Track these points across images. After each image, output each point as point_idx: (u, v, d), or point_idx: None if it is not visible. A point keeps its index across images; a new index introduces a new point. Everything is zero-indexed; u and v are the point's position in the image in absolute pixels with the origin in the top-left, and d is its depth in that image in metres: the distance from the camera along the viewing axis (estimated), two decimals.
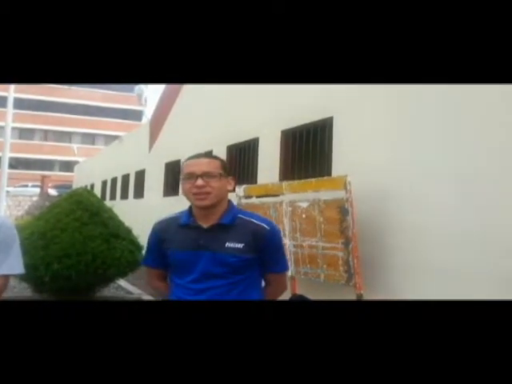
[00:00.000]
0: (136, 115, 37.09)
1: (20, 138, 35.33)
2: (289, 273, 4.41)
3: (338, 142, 4.91)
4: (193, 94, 9.08)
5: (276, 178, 5.82)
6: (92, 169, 18.90)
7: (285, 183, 4.91)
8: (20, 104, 27.63)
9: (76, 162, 26.17)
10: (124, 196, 13.58)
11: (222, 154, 6.98)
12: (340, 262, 4.08)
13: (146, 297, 5.93)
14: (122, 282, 6.36)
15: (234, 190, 1.74)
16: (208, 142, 8.04)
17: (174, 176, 9.79)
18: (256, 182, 6.17)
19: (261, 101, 6.46)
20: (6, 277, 1.64)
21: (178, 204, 7.88)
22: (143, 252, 5.88)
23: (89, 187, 15.52)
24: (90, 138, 38.80)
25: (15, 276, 3.27)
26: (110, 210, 5.57)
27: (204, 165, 1.59)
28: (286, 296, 2.16)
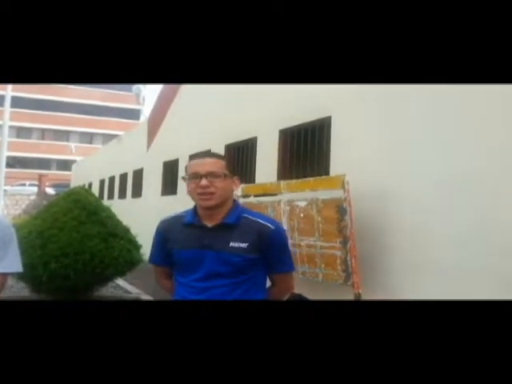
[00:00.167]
0: (134, 114, 37.06)
1: (17, 136, 35.22)
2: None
3: (336, 142, 4.92)
4: (191, 93, 9.07)
5: (274, 177, 5.83)
6: (90, 168, 18.86)
7: (283, 182, 4.91)
8: (17, 103, 27.55)
9: (74, 161, 26.12)
10: (122, 195, 13.56)
11: (220, 153, 6.97)
12: (338, 261, 4.08)
13: (145, 296, 5.92)
14: (120, 282, 6.35)
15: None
16: (206, 141, 8.03)
17: (172, 175, 9.79)
18: (254, 182, 6.17)
19: (259, 100, 6.45)
20: (4, 275, 1.64)
21: (176, 203, 7.92)
22: (141, 251, 5.86)
23: (87, 186, 15.49)
24: (87, 137, 38.73)
25: (13, 275, 3.26)
26: (107, 209, 5.56)
27: (208, 165, 1.58)
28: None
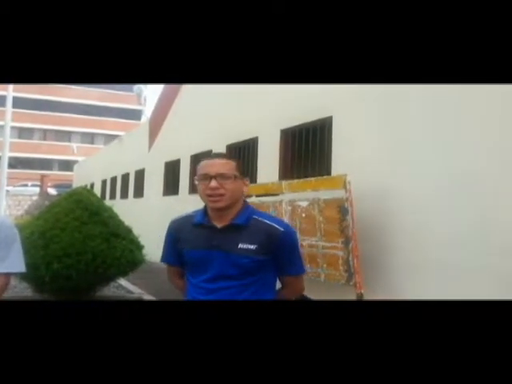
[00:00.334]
0: (135, 114, 37.10)
1: (19, 137, 35.29)
2: None
3: (337, 142, 4.92)
4: (192, 93, 9.08)
5: (275, 177, 5.83)
6: (91, 168, 18.89)
7: (284, 182, 4.91)
8: (19, 103, 27.62)
9: (75, 162, 26.16)
10: (124, 195, 13.58)
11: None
12: (340, 261, 4.08)
13: (147, 296, 5.93)
14: (122, 282, 6.36)
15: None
16: (207, 141, 8.04)
17: (173, 175, 9.80)
18: (255, 182, 6.17)
19: (260, 100, 6.46)
20: (8, 275, 1.65)
21: (178, 203, 7.92)
22: (143, 251, 5.85)
23: (88, 186, 15.50)
24: (89, 138, 38.76)
25: (16, 275, 3.27)
26: (109, 210, 5.57)
27: (218, 166, 1.57)
28: None
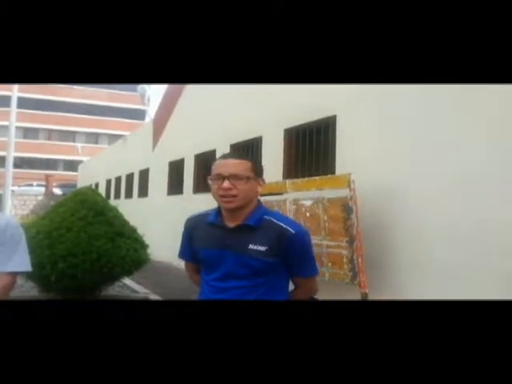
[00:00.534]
0: (139, 114, 37.16)
1: (24, 137, 35.47)
2: None
3: (341, 141, 4.91)
4: (196, 93, 9.09)
5: (279, 176, 5.83)
6: (96, 168, 18.96)
7: (288, 181, 4.91)
8: (24, 103, 27.74)
9: (80, 161, 26.26)
10: (128, 195, 13.63)
11: (225, 152, 7.00)
12: (344, 260, 4.08)
13: (152, 296, 5.95)
14: (127, 281, 6.38)
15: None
16: (211, 140, 8.05)
17: (177, 175, 9.82)
18: None
19: (264, 100, 6.46)
20: (14, 274, 1.66)
21: (182, 203, 7.93)
22: (148, 251, 5.87)
23: (93, 186, 15.58)
24: (93, 138, 38.90)
25: (22, 274, 3.29)
26: (114, 209, 5.59)
27: (232, 166, 1.55)
28: None
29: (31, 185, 26.15)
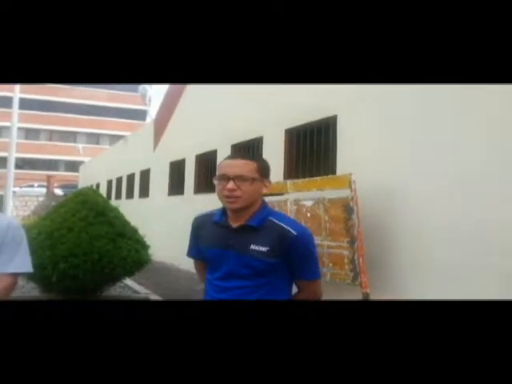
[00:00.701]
0: (140, 115, 37.19)
1: (26, 138, 35.54)
2: None
3: (342, 141, 4.91)
4: (197, 93, 9.10)
5: (280, 176, 5.83)
6: (97, 168, 18.98)
7: (289, 182, 4.91)
8: (25, 104, 27.79)
9: (81, 162, 26.29)
10: (129, 195, 13.64)
11: (226, 153, 7.00)
12: (346, 260, 4.08)
13: (153, 296, 5.95)
14: (128, 282, 6.39)
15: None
16: (212, 141, 8.05)
17: (178, 175, 9.82)
18: None
19: (265, 100, 6.46)
20: (15, 275, 1.66)
21: (183, 203, 7.91)
22: (149, 251, 5.87)
23: (94, 187, 15.59)
24: (94, 138, 38.95)
25: (23, 275, 3.30)
26: (115, 210, 5.60)
27: (238, 167, 1.55)
28: None
29: (32, 186, 26.19)
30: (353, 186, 3.97)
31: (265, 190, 1.62)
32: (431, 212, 3.82)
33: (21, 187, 24.55)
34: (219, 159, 7.23)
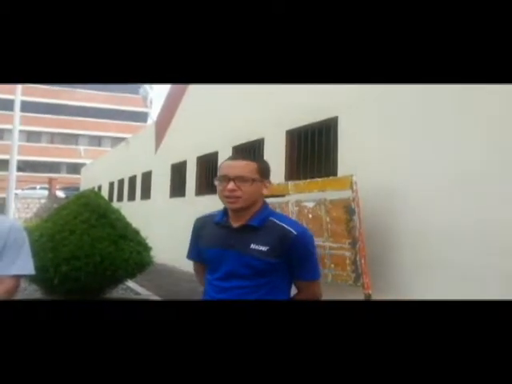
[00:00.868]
0: (141, 117, 37.29)
1: (27, 140, 35.63)
2: None
3: (343, 142, 4.91)
4: (198, 95, 9.11)
5: (282, 178, 5.83)
6: (99, 171, 19.00)
7: (290, 183, 4.91)
8: (27, 107, 27.83)
9: (83, 164, 26.33)
10: (131, 197, 13.65)
11: (227, 155, 7.02)
12: (347, 261, 4.08)
13: (155, 298, 5.95)
14: (130, 284, 6.40)
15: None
16: (213, 142, 8.06)
17: (180, 177, 9.83)
18: None
19: (266, 101, 6.47)
20: (18, 278, 1.66)
21: (184, 205, 7.93)
22: (151, 253, 5.88)
23: (96, 189, 15.61)
24: (96, 140, 39.02)
25: (26, 278, 3.30)
26: (117, 212, 5.60)
27: (238, 168, 1.57)
28: None
29: (34, 188, 26.23)
30: (354, 187, 3.97)
31: (265, 191, 1.63)
32: (432, 212, 3.82)
33: (23, 189, 24.59)
34: (220, 161, 7.23)
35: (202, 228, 1.71)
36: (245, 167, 1.58)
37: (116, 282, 5.38)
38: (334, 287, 4.34)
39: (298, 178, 5.44)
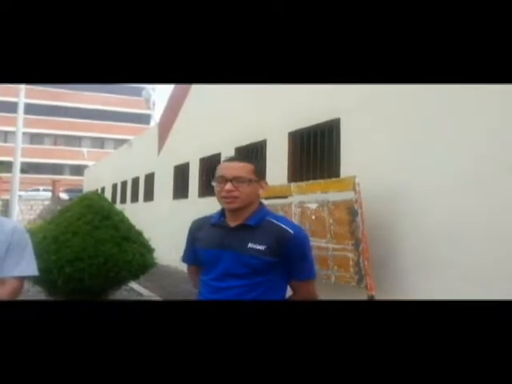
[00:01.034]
0: (144, 119, 37.33)
1: (31, 142, 35.77)
2: None
3: (345, 143, 4.91)
4: (200, 96, 9.12)
5: (284, 179, 5.83)
6: (102, 172, 19.05)
7: (293, 185, 4.91)
8: (30, 109, 27.94)
9: (86, 166, 26.41)
10: (134, 199, 13.68)
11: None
12: (350, 263, 4.07)
13: (158, 299, 5.96)
14: (133, 285, 6.41)
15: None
16: (216, 144, 8.07)
17: (183, 179, 9.85)
18: None
19: (268, 103, 6.47)
20: (21, 279, 1.67)
21: (187, 206, 7.94)
22: (154, 255, 5.89)
23: (99, 191, 15.64)
24: (99, 142, 39.14)
25: (29, 279, 3.31)
26: (120, 213, 5.61)
27: (235, 169, 1.61)
28: None
29: (38, 190, 26.34)
30: (357, 189, 3.97)
31: (261, 191, 1.67)
32: (435, 213, 3.81)
33: (26, 191, 24.68)
34: None
35: (199, 230, 1.73)
36: (242, 168, 1.62)
37: (119, 283, 5.38)
38: (337, 288, 4.33)
39: (301, 180, 5.44)
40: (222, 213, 1.68)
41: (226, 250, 1.61)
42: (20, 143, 13.77)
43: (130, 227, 5.52)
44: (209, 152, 8.46)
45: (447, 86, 3.37)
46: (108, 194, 15.76)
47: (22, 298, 1.72)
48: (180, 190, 9.96)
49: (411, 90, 4.01)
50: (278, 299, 1.63)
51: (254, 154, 6.96)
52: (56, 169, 36.86)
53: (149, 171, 12.30)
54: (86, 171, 24.25)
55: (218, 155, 7.91)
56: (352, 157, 4.78)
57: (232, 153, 7.31)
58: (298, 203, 4.73)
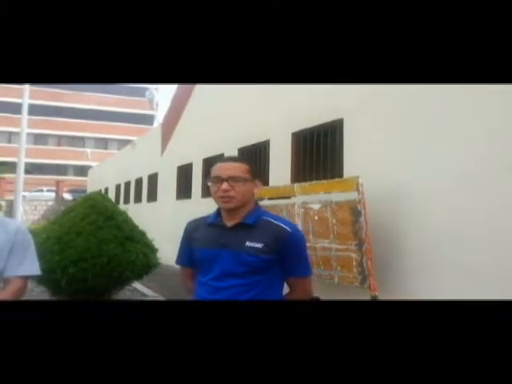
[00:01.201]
0: (148, 119, 37.40)
1: (35, 143, 35.90)
2: None
3: (348, 144, 4.91)
4: (204, 97, 9.14)
5: (287, 179, 5.83)
6: (105, 173, 19.10)
7: (296, 185, 4.91)
8: (34, 110, 28.04)
9: (89, 167, 26.48)
10: (137, 199, 13.71)
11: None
12: (354, 263, 4.06)
13: (161, 299, 5.97)
14: (137, 285, 6.42)
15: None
16: (219, 144, 8.08)
17: (186, 179, 9.86)
18: (267, 184, 6.19)
19: (271, 103, 6.47)
20: (25, 278, 1.69)
21: (191, 207, 7.96)
22: (157, 255, 5.90)
23: (103, 191, 15.69)
24: (102, 143, 39.23)
25: (33, 279, 3.33)
26: (124, 214, 5.63)
27: (231, 169, 1.63)
28: None
29: (42, 190, 26.40)
30: (360, 189, 3.96)
31: (256, 191, 1.68)
32: (438, 213, 3.80)
33: (30, 192, 24.76)
34: None
35: (195, 230, 1.74)
36: (237, 168, 1.64)
37: (123, 283, 5.40)
38: (340, 289, 4.33)
39: (304, 180, 5.43)
40: (218, 213, 1.69)
41: (223, 249, 1.61)
42: (24, 144, 13.82)
43: (134, 227, 5.53)
44: (212, 152, 8.47)
45: (447, 86, 3.37)
46: (111, 195, 15.80)
47: (25, 297, 1.73)
48: (183, 190, 9.98)
49: (411, 90, 4.00)
50: (277, 297, 1.65)
51: (257, 154, 6.97)
52: (60, 169, 36.96)
53: (152, 172, 12.32)
54: (89, 172, 24.32)
55: (222, 156, 7.91)
56: (355, 157, 4.77)
57: (235, 153, 7.32)
58: (301, 204, 4.73)
